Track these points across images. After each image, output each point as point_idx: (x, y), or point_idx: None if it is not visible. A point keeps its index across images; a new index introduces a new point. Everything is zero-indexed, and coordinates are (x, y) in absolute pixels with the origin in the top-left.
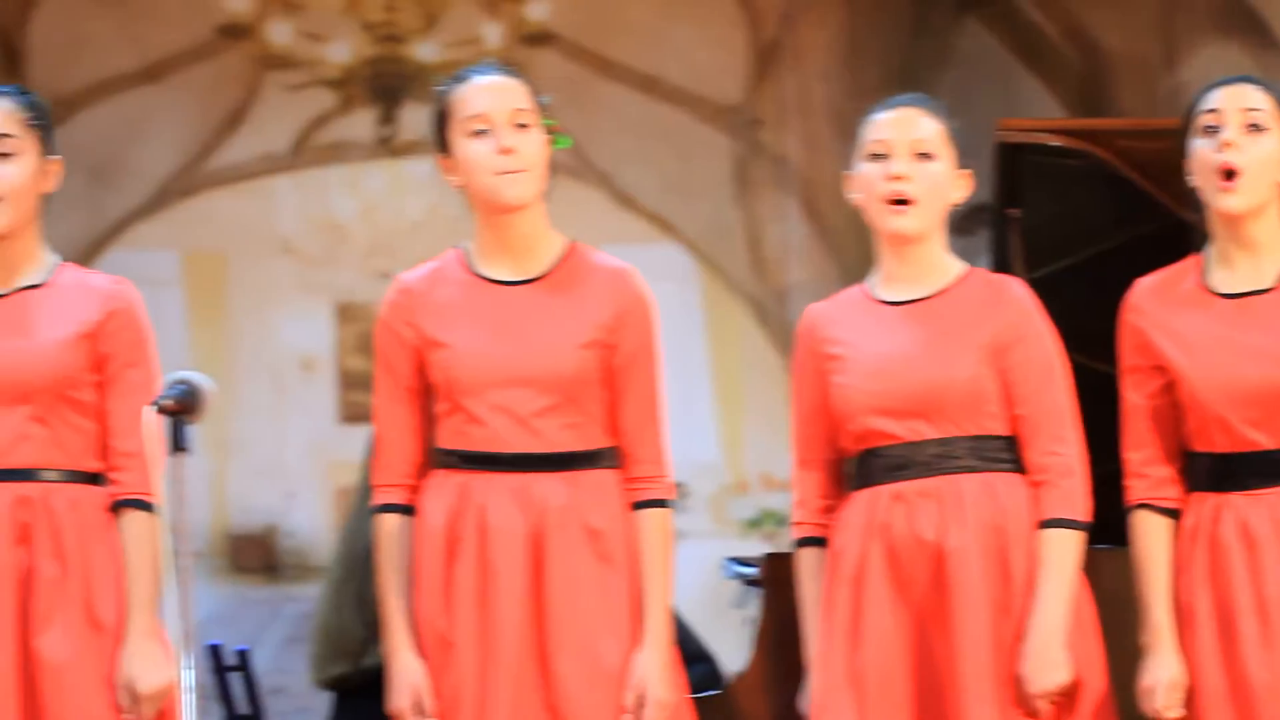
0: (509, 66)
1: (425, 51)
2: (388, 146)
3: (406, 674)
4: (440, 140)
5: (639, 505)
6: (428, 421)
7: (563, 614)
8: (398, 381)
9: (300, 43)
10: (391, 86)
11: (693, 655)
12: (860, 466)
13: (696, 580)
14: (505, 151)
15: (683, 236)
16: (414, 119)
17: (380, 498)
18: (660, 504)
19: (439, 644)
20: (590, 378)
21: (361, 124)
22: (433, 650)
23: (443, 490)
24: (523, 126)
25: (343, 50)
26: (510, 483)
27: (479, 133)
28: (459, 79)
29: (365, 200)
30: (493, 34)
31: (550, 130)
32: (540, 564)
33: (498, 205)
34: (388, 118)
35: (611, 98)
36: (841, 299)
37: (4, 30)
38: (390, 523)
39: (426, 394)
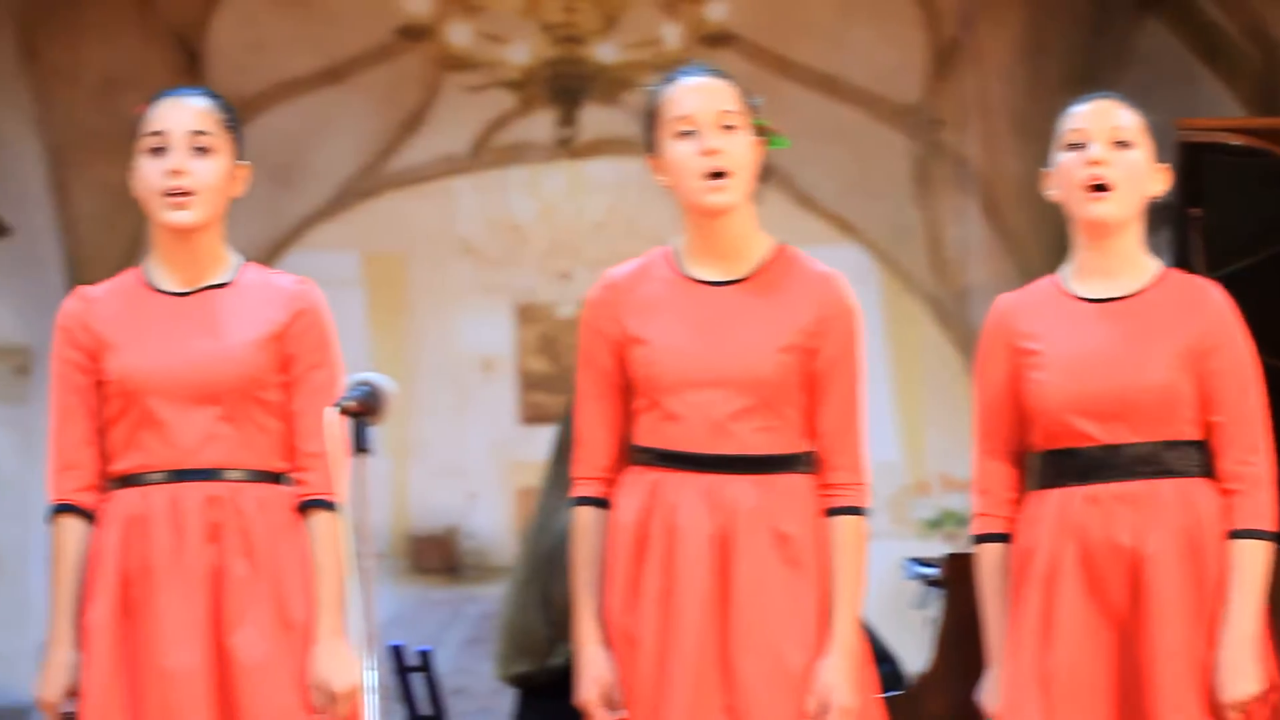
0: (718, 69)
1: (604, 53)
2: (567, 148)
3: (593, 666)
4: (649, 141)
5: (833, 511)
6: (627, 417)
7: (747, 616)
8: (598, 376)
9: (480, 44)
10: (571, 88)
11: (876, 656)
12: (1048, 465)
13: (877, 581)
14: (709, 153)
15: (862, 237)
16: (593, 120)
17: (578, 490)
18: (855, 511)
19: (624, 640)
20: (788, 381)
21: (541, 125)
22: (619, 646)
23: (636, 487)
24: (729, 129)
25: (522, 51)
26: (701, 483)
27: (685, 134)
28: (668, 80)
29: (545, 201)
30: (672, 35)
31: (764, 131)
32: (727, 566)
33: (702, 209)
34: (567, 119)
35: (791, 98)
36: (1033, 291)
37: (185, 33)
38: (586, 515)
39: (626, 390)
